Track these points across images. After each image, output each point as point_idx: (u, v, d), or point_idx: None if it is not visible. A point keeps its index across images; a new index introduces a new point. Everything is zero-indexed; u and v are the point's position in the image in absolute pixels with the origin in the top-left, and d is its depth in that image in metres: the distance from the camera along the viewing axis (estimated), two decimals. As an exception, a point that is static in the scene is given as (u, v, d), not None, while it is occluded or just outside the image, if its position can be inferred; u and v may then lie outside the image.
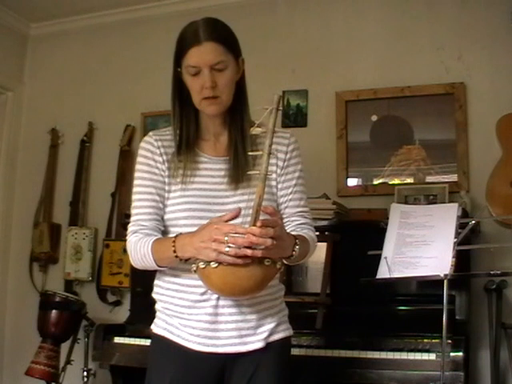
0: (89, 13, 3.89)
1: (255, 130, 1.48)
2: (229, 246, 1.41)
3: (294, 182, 1.71)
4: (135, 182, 1.69)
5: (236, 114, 1.68)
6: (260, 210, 1.43)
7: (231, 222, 1.46)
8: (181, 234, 1.54)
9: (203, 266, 1.46)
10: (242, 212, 1.51)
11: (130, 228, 1.65)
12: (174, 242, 1.53)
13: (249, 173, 1.56)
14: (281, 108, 1.45)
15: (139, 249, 1.60)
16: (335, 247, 2.74)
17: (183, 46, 1.60)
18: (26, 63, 4.13)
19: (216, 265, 1.44)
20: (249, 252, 1.40)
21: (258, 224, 1.41)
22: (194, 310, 1.60)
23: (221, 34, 1.61)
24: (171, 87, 1.68)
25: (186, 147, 1.66)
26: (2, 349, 3.85)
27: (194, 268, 1.49)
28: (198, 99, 1.61)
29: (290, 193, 1.70)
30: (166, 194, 1.66)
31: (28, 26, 4.09)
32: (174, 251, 1.52)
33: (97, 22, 3.93)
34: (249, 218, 1.45)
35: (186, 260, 1.52)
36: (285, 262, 1.57)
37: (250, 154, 1.61)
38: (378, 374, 2.38)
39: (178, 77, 1.65)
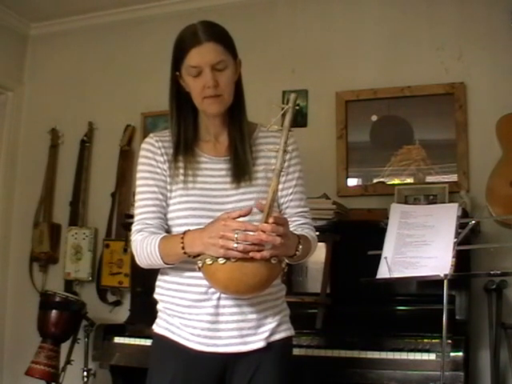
0: (89, 13, 3.89)
1: (271, 127, 1.51)
2: (237, 243, 1.42)
3: (294, 182, 1.72)
4: (138, 182, 1.70)
5: (234, 114, 1.69)
6: (273, 205, 1.46)
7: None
8: (189, 230, 1.55)
9: (210, 263, 1.46)
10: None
11: (135, 227, 1.66)
12: (182, 238, 1.53)
13: (264, 167, 1.60)
14: (297, 107, 1.49)
15: (145, 246, 1.60)
16: (335, 247, 2.74)
17: (183, 48, 1.61)
18: (25, 63, 4.13)
19: (224, 261, 1.44)
20: (258, 255, 1.42)
21: (271, 220, 1.43)
22: (194, 310, 1.60)
23: (219, 34, 1.63)
24: (169, 91, 1.69)
25: (185, 148, 1.67)
26: (2, 349, 3.85)
27: (200, 264, 1.49)
28: (200, 99, 1.62)
29: (291, 193, 1.71)
30: (168, 194, 1.66)
31: (28, 26, 4.09)
32: (183, 247, 1.52)
33: (97, 22, 3.93)
34: (255, 217, 1.47)
35: (195, 256, 1.52)
36: (287, 261, 1.58)
37: (267, 149, 1.63)
38: (377, 374, 2.38)
39: (176, 80, 1.66)
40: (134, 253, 1.65)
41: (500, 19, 3.08)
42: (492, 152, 3.01)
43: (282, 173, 1.50)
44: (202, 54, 1.58)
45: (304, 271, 2.81)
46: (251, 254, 1.42)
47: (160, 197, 1.66)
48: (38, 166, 3.92)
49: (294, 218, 1.69)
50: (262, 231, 1.42)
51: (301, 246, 1.57)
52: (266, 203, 1.46)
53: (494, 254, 2.76)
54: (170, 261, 1.60)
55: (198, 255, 1.51)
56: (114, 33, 3.91)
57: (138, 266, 1.67)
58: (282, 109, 1.48)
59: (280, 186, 1.68)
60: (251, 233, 1.43)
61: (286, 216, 1.69)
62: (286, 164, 1.68)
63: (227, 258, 1.44)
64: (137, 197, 1.69)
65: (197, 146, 1.70)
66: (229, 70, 1.62)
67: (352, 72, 3.36)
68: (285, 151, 1.48)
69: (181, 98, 1.68)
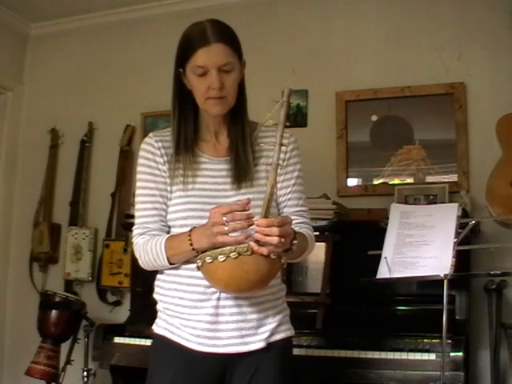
0: (89, 13, 3.90)
1: (267, 122, 1.51)
2: (228, 225, 1.43)
3: (293, 181, 1.72)
4: (138, 184, 1.69)
5: (236, 115, 1.68)
6: (272, 200, 1.46)
7: None
8: (195, 227, 1.55)
9: (210, 261, 1.46)
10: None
11: (136, 231, 1.66)
12: (189, 235, 1.54)
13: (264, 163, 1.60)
14: (292, 101, 1.49)
15: (150, 249, 1.60)
16: (335, 247, 2.74)
17: (190, 46, 1.59)
18: (25, 63, 4.13)
19: (224, 258, 1.44)
20: (265, 251, 1.42)
21: (265, 222, 1.43)
22: (194, 310, 1.60)
23: (228, 35, 1.62)
24: (172, 87, 1.68)
25: (185, 148, 1.66)
26: (2, 349, 3.85)
27: (200, 264, 1.49)
28: (203, 99, 1.61)
29: (289, 192, 1.71)
30: (168, 195, 1.66)
31: (28, 26, 4.09)
32: (191, 244, 1.53)
33: (97, 21, 3.93)
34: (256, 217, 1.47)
35: (203, 252, 1.52)
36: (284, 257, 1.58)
37: (263, 145, 1.64)
38: (377, 374, 2.38)
39: (179, 77, 1.65)
40: (137, 256, 1.65)
41: (500, 19, 3.08)
42: (492, 152, 3.01)
43: (280, 168, 1.50)
44: (210, 55, 1.56)
45: (304, 271, 2.81)
46: (256, 236, 1.42)
47: (160, 199, 1.66)
48: (38, 166, 3.92)
49: (292, 217, 1.68)
50: (258, 225, 1.42)
51: (295, 241, 1.54)
52: (265, 197, 1.46)
53: (493, 254, 2.76)
54: (176, 260, 1.60)
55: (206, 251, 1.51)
56: (114, 33, 3.91)
57: (138, 265, 1.68)
58: (280, 104, 1.48)
59: (279, 185, 1.68)
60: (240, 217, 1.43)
61: (284, 215, 1.69)
62: (284, 163, 1.69)
63: (227, 256, 1.44)
64: (137, 199, 1.68)
65: (197, 146, 1.69)
66: (235, 71, 1.61)
67: (352, 72, 3.36)
68: (281, 145, 1.48)
69: (183, 96, 1.67)
